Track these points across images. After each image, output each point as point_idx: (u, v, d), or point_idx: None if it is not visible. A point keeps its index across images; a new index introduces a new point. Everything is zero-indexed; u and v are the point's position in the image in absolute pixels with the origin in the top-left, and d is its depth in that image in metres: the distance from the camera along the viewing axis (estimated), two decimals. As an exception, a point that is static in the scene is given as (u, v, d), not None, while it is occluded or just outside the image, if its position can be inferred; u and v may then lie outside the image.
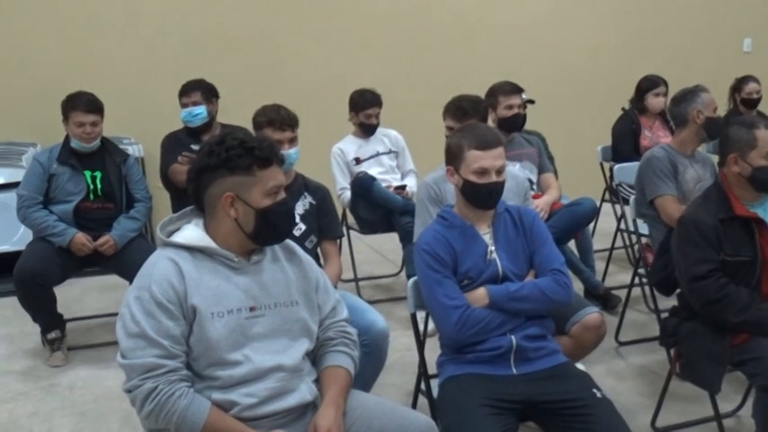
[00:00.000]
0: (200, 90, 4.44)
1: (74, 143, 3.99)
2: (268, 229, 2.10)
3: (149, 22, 6.15)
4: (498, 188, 2.55)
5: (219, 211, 2.08)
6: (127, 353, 1.97)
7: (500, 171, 2.54)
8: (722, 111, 5.46)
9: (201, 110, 4.41)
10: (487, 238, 2.58)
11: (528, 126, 4.78)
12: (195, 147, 4.34)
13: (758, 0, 7.78)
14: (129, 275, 3.70)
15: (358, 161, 4.83)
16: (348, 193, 4.73)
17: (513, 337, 2.45)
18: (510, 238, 2.59)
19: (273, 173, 2.09)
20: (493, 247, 2.56)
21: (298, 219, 3.18)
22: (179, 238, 2.11)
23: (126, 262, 3.87)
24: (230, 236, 2.09)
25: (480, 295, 2.49)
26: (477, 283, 2.52)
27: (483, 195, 2.55)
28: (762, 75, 5.84)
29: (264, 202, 2.07)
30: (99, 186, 4.04)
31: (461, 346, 2.47)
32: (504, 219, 2.62)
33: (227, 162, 2.04)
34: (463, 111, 3.64)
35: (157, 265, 2.04)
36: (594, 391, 2.35)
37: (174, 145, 4.45)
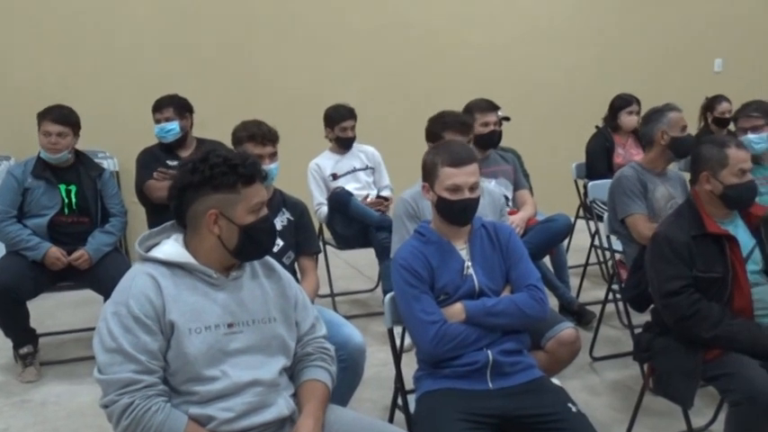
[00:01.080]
0: (172, 105, 4.41)
1: (42, 154, 3.97)
2: (251, 245, 2.10)
3: (125, 36, 6.12)
4: (471, 204, 2.58)
5: (203, 228, 2.08)
6: (104, 368, 1.96)
7: (473, 188, 2.56)
8: (693, 129, 5.56)
9: (174, 125, 4.39)
10: (464, 253, 2.60)
11: (503, 143, 4.83)
12: (171, 162, 4.32)
13: (729, 21, 7.93)
14: (104, 290, 3.69)
15: (335, 177, 4.84)
16: (325, 209, 4.74)
17: (489, 351, 2.47)
18: (486, 254, 2.62)
19: (257, 190, 2.10)
20: (469, 263, 2.58)
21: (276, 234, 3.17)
22: (158, 253, 2.10)
23: (100, 276, 3.85)
24: (212, 252, 2.09)
25: (457, 310, 2.51)
26: (454, 298, 2.54)
27: (456, 212, 2.57)
28: (732, 94, 5.93)
29: (248, 218, 2.08)
30: (74, 200, 4.02)
31: (438, 360, 2.48)
32: (480, 235, 2.65)
33: (212, 180, 2.04)
34: (468, 125, 3.70)
35: (135, 280, 2.03)
36: (569, 405, 2.37)
37: (149, 160, 4.43)
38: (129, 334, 1.95)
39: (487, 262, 2.61)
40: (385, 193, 4.96)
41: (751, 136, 3.96)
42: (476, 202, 2.59)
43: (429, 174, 2.62)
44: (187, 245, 2.12)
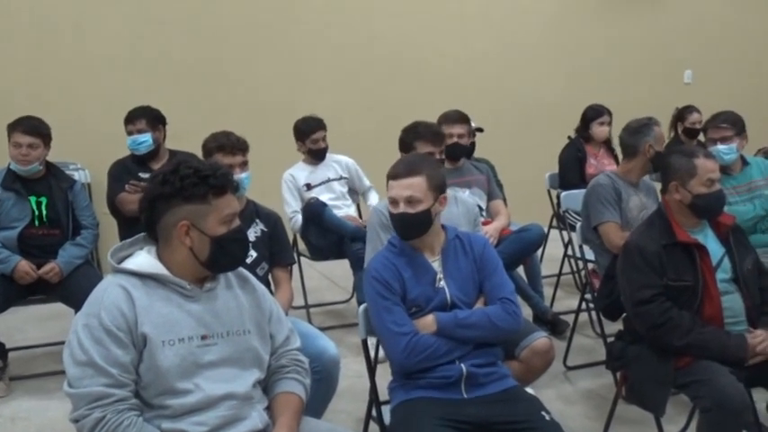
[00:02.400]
0: (144, 117, 4.38)
1: (12, 165, 3.93)
2: (223, 256, 2.09)
3: (97, 47, 6.08)
4: (406, 219, 2.56)
5: (174, 240, 2.07)
6: (74, 381, 1.93)
7: (410, 201, 2.54)
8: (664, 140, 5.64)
9: (147, 137, 4.36)
10: (436, 265, 2.59)
11: (477, 154, 4.87)
12: (143, 174, 4.29)
13: (698, 33, 8.06)
14: (75, 303, 3.64)
15: (309, 187, 4.84)
16: (299, 217, 4.73)
17: (462, 365, 2.47)
18: (459, 266, 2.61)
19: (228, 201, 2.09)
20: (441, 275, 2.58)
21: (249, 246, 3.16)
22: (130, 264, 2.08)
23: (72, 289, 3.80)
24: (184, 264, 2.08)
25: (428, 322, 2.51)
26: (426, 310, 2.54)
27: (395, 225, 2.60)
28: (702, 105, 6.01)
29: (220, 230, 2.07)
30: (44, 212, 3.97)
31: (410, 372, 2.48)
32: (454, 246, 2.64)
33: (182, 191, 2.03)
34: (440, 136, 3.70)
35: (107, 292, 2.01)
36: (543, 414, 2.38)
37: (121, 173, 4.39)
38: (101, 346, 1.93)
39: (460, 274, 2.60)
40: (371, 194, 4.98)
41: (720, 147, 4.00)
42: (413, 217, 2.55)
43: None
44: (160, 256, 2.11)
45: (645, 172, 3.87)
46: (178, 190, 2.03)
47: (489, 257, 2.65)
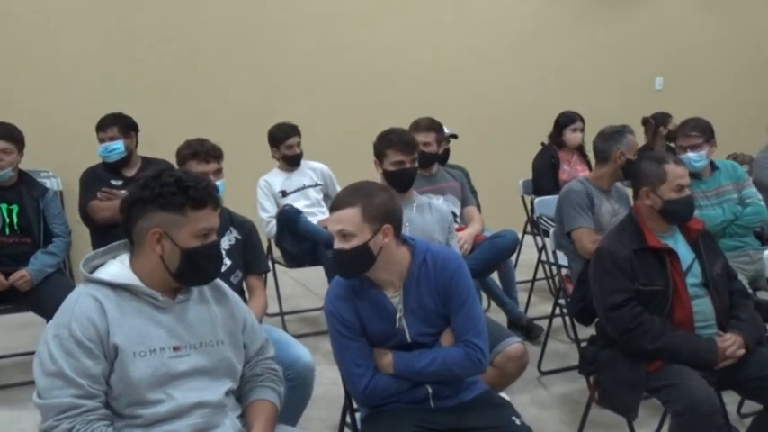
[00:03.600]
0: (116, 124, 4.34)
1: None
2: (192, 270, 2.07)
3: (69, 53, 6.04)
4: (340, 256, 2.33)
5: (146, 246, 2.05)
6: (43, 392, 1.91)
7: (344, 236, 2.30)
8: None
9: (118, 145, 4.32)
10: (396, 301, 2.40)
11: (451, 160, 4.89)
12: (115, 182, 4.26)
13: (669, 42, 8.17)
14: (46, 312, 3.59)
15: (284, 194, 4.83)
16: (275, 223, 4.72)
17: (428, 387, 2.43)
18: (422, 300, 2.39)
19: (206, 215, 2.06)
20: (401, 313, 2.40)
21: (223, 254, 3.15)
22: (103, 274, 2.07)
23: (43, 298, 3.75)
24: (155, 272, 2.06)
25: (386, 363, 2.40)
26: (386, 346, 2.42)
27: (334, 262, 2.39)
28: (672, 112, 6.09)
29: (192, 242, 2.05)
30: (15, 220, 3.92)
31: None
32: (418, 275, 2.40)
33: (160, 198, 2.02)
34: (412, 145, 3.59)
35: (78, 302, 1.99)
36: (514, 418, 2.39)
37: (92, 180, 4.35)
38: (71, 357, 1.91)
39: (423, 308, 2.40)
40: None
41: (690, 154, 4.04)
42: (347, 254, 2.31)
43: None
44: (133, 266, 2.09)
45: (615, 179, 3.89)
46: (156, 196, 2.02)
47: (457, 289, 2.39)
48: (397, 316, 2.39)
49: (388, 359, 2.39)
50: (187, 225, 2.04)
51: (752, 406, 3.25)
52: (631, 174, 3.80)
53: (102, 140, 4.35)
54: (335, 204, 2.35)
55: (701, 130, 4.08)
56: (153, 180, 2.04)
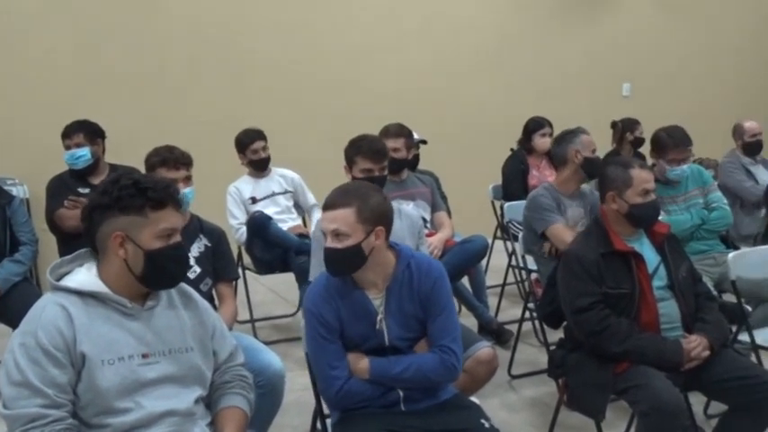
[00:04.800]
0: (82, 131, 4.29)
1: None
2: (157, 272, 2.06)
3: (35, 59, 5.97)
4: (333, 254, 2.35)
5: (109, 251, 2.04)
6: (9, 402, 1.89)
7: (337, 235, 2.33)
8: (604, 150, 5.76)
9: (85, 152, 4.28)
10: (378, 303, 2.43)
11: (422, 166, 4.91)
12: (82, 190, 4.21)
13: (636, 48, 8.27)
14: (12, 321, 3.55)
15: (254, 200, 4.82)
16: (244, 229, 4.70)
17: (400, 390, 2.44)
18: (403, 304, 2.43)
19: (167, 215, 2.06)
20: (382, 316, 2.42)
21: (192, 261, 3.14)
22: (70, 282, 2.05)
23: (9, 307, 3.69)
24: (121, 278, 2.05)
25: (362, 369, 2.41)
26: (362, 349, 2.44)
27: (324, 260, 2.40)
28: (639, 117, 6.18)
29: (155, 244, 2.04)
30: (-20, 229, 3.87)
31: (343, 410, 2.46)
32: (401, 281, 2.43)
33: (119, 201, 2.01)
34: (381, 153, 3.59)
35: (45, 311, 1.97)
36: (483, 421, 2.41)
37: (59, 188, 4.29)
38: (37, 367, 1.89)
39: (403, 313, 2.43)
40: (314, 213, 4.95)
41: (683, 167, 4.08)
42: (340, 253, 2.33)
43: None
44: (100, 273, 2.08)
45: (580, 180, 3.91)
46: (115, 200, 2.01)
47: (437, 297, 2.43)
48: (378, 318, 2.42)
49: (363, 364, 2.40)
50: (149, 226, 2.03)
51: (718, 407, 3.30)
52: (594, 175, 3.87)
53: (68, 147, 4.30)
54: (330, 204, 2.37)
55: (690, 142, 4.12)
56: (111, 185, 2.04)
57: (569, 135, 3.92)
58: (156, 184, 2.06)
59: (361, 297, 2.42)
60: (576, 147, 3.85)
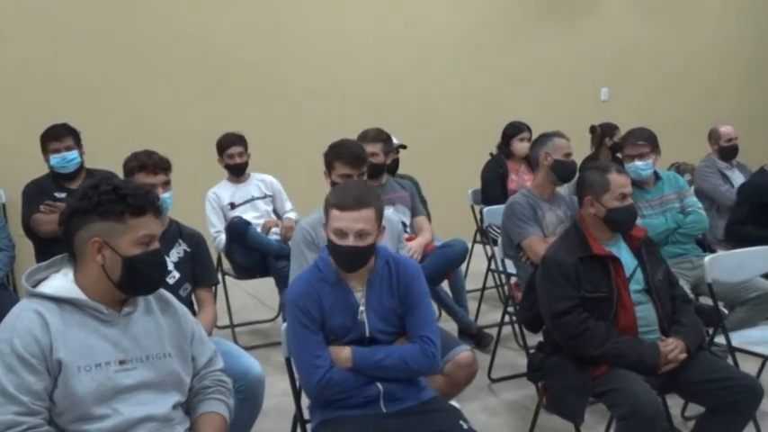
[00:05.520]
0: (71, 135, 4.29)
1: None
2: (135, 278, 2.05)
3: (12, 63, 5.91)
4: (357, 252, 2.44)
5: (87, 257, 2.03)
6: (-15, 410, 1.88)
7: (361, 235, 2.41)
8: (583, 155, 5.81)
9: (75, 155, 4.27)
10: (359, 296, 2.52)
11: (401, 171, 4.92)
12: (59, 195, 4.18)
13: (614, 54, 8.34)
14: (-11, 328, 3.52)
15: (233, 206, 4.81)
16: (223, 237, 4.69)
17: (379, 384, 2.47)
18: (383, 298, 2.53)
19: (146, 222, 2.05)
20: (363, 308, 2.51)
21: (171, 266, 3.13)
22: (46, 288, 2.04)
23: (-15, 314, 3.66)
24: (98, 284, 2.04)
25: (344, 358, 2.46)
26: (343, 341, 2.49)
27: (340, 257, 2.46)
28: (617, 122, 6.22)
29: (133, 250, 2.03)
30: (-44, 235, 3.84)
31: (324, 402, 2.48)
32: (381, 276, 2.54)
33: (98, 207, 2.00)
34: (360, 159, 3.59)
35: (21, 317, 1.96)
36: (462, 423, 2.42)
37: (36, 193, 4.26)
38: (12, 374, 1.88)
39: (383, 306, 2.52)
40: (290, 216, 4.94)
41: (638, 163, 4.13)
42: (363, 251, 2.44)
43: (324, 212, 2.53)
44: (76, 279, 2.06)
45: (553, 183, 3.95)
46: (94, 205, 2.00)
47: (415, 291, 2.55)
48: (360, 309, 2.50)
49: (346, 353, 2.46)
50: (127, 233, 2.02)
51: (695, 409, 3.33)
52: (565, 179, 3.90)
53: (57, 150, 4.27)
54: (348, 204, 2.43)
55: (648, 140, 4.17)
56: (91, 190, 2.03)
57: (543, 138, 3.97)
58: (135, 190, 2.05)
59: (344, 289, 2.51)
60: (546, 149, 3.89)
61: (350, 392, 2.45)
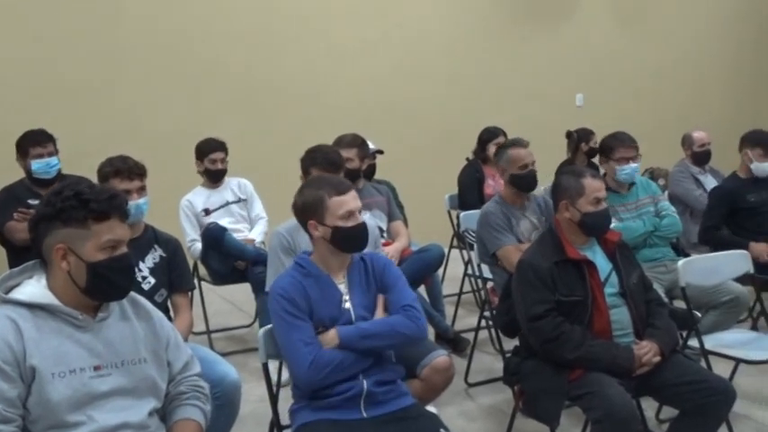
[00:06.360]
0: (51, 140, 4.27)
1: None
2: (101, 284, 2.03)
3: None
4: (365, 228, 2.67)
5: (54, 264, 2.02)
6: (-43, 418, 1.85)
7: (361, 211, 2.65)
8: (558, 159, 5.85)
9: (57, 161, 4.25)
10: (342, 287, 2.62)
11: (378, 176, 4.92)
12: (32, 201, 4.14)
13: (588, 60, 8.42)
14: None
15: (207, 212, 4.78)
16: (199, 245, 4.66)
17: (365, 381, 2.50)
18: (363, 287, 2.64)
19: (111, 227, 2.03)
20: (347, 296, 2.60)
21: (147, 272, 3.12)
22: (19, 294, 2.02)
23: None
24: (67, 290, 2.02)
25: (331, 336, 2.52)
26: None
27: (353, 238, 2.62)
28: (592, 127, 6.27)
29: (98, 256, 2.01)
30: (-72, 242, 3.78)
31: (315, 389, 2.48)
32: (358, 267, 2.68)
33: (61, 213, 1.99)
34: (337, 164, 3.65)
35: (-7, 324, 1.93)
36: (442, 430, 2.44)
37: (9, 200, 4.21)
38: (-15, 381, 1.86)
39: (365, 294, 2.63)
40: (258, 225, 4.91)
41: (633, 165, 4.17)
42: (366, 225, 2.68)
43: (315, 209, 2.60)
44: (49, 285, 2.05)
45: (520, 193, 3.99)
46: (57, 212, 1.99)
47: (389, 273, 2.70)
48: (344, 298, 2.59)
49: (332, 332, 2.52)
50: (91, 238, 2.00)
51: (669, 411, 3.36)
52: (525, 189, 3.92)
53: (40, 156, 4.23)
54: (346, 187, 2.65)
55: (635, 142, 4.22)
56: (54, 196, 2.02)
57: (500, 151, 4.04)
58: (98, 195, 2.03)
59: (327, 280, 2.61)
60: (502, 164, 3.95)
61: (341, 373, 2.47)
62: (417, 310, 2.62)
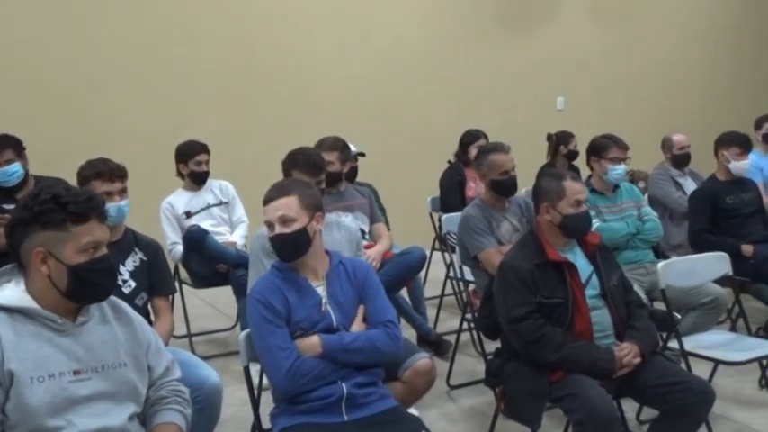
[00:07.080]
0: (10, 147, 4.13)
1: None
2: (82, 286, 2.02)
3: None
4: (283, 240, 2.58)
5: (33, 268, 2.00)
6: (-67, 424, 1.84)
7: (284, 221, 2.57)
8: (539, 162, 5.88)
9: (17, 168, 4.12)
10: (321, 290, 2.61)
11: (360, 178, 4.92)
12: (7, 206, 4.08)
13: (569, 64, 8.47)
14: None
15: (188, 215, 4.74)
16: (179, 248, 4.63)
17: (344, 385, 2.50)
18: (343, 292, 2.64)
19: (90, 228, 2.02)
20: (326, 300, 2.60)
21: (128, 275, 3.09)
22: (-4, 298, 2.00)
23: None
24: (46, 293, 2.01)
25: (313, 343, 2.51)
26: (311, 333, 2.54)
27: (275, 248, 2.63)
28: (572, 130, 6.32)
29: (78, 258, 2.00)
30: None
31: (292, 395, 2.48)
32: (338, 272, 2.67)
33: (40, 216, 1.97)
34: (317, 167, 3.65)
35: (-30, 328, 1.92)
36: (423, 432, 2.43)
37: None
38: (-38, 386, 1.84)
39: (344, 299, 2.63)
40: (238, 229, 4.89)
41: (624, 166, 4.21)
42: (289, 237, 2.58)
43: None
44: (28, 289, 2.03)
45: (500, 197, 4.01)
46: (35, 215, 1.97)
47: (371, 283, 2.69)
48: (323, 301, 2.59)
49: (314, 339, 2.52)
50: (71, 241, 1.99)
51: (650, 412, 3.38)
52: (505, 194, 3.94)
53: None
54: (272, 196, 2.61)
55: (627, 145, 4.25)
56: (31, 200, 2.00)
57: (481, 155, 4.05)
58: (76, 197, 2.01)
59: (305, 283, 2.61)
60: (483, 169, 3.96)
61: (318, 381, 2.46)
62: (397, 327, 2.65)
